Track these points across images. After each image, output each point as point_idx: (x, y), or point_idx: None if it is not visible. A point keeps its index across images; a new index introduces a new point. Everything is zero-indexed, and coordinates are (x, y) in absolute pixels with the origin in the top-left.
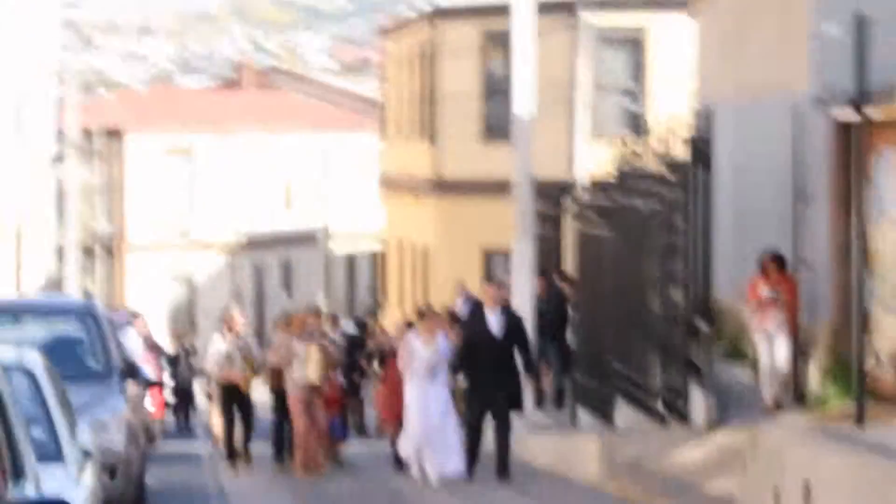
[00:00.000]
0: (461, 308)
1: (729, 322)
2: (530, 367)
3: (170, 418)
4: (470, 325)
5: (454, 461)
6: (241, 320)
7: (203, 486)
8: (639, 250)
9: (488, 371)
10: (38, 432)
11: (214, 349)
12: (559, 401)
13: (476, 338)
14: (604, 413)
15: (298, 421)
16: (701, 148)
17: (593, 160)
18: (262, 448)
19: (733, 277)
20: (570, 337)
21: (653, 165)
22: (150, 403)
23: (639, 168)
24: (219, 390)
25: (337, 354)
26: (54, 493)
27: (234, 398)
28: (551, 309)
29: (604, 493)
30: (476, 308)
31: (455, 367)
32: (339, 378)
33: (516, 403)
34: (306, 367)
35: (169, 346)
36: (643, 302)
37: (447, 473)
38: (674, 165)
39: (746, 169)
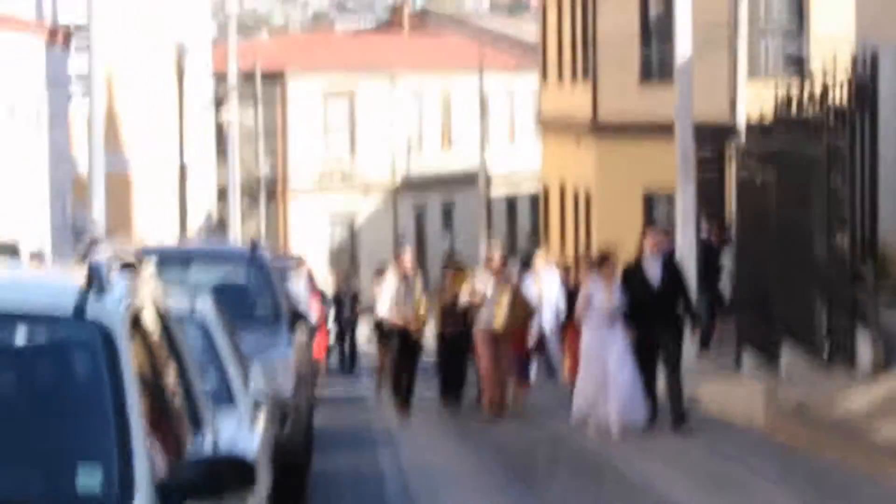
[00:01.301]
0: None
1: (894, 266)
2: (691, 315)
3: (334, 361)
4: (630, 276)
5: (634, 410)
6: (411, 262)
7: (369, 429)
8: (803, 195)
9: (651, 322)
10: (211, 380)
11: (386, 291)
12: (705, 346)
13: (636, 290)
14: (769, 358)
15: (483, 362)
16: (864, 91)
17: (754, 103)
18: (425, 390)
19: None
20: (722, 285)
21: (815, 109)
22: (314, 347)
23: (801, 112)
24: (390, 334)
25: (529, 304)
26: (228, 443)
27: (405, 342)
28: (699, 258)
29: (771, 439)
30: (636, 259)
31: (626, 322)
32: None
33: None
34: (495, 313)
35: (331, 289)
36: (808, 246)
37: (626, 422)
38: (837, 110)
39: None
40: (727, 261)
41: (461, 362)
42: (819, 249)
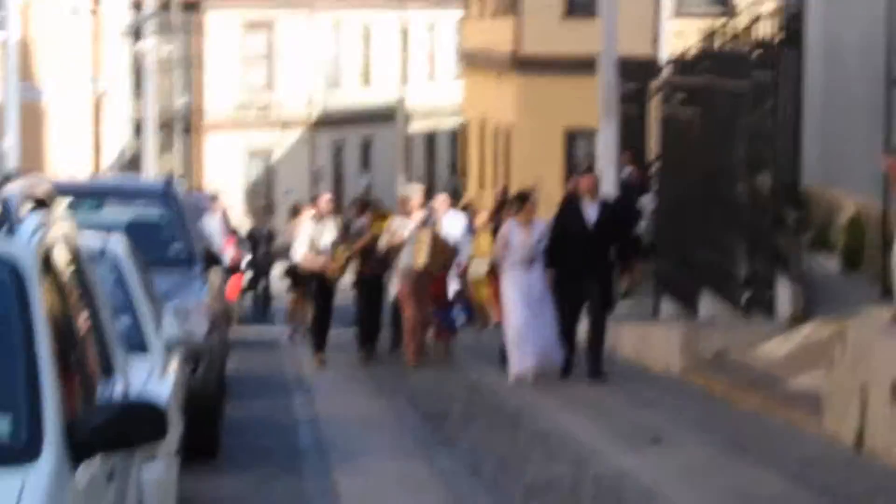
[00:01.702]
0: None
1: (817, 209)
2: (624, 259)
3: (248, 304)
4: (564, 217)
5: (551, 353)
6: (330, 205)
7: (283, 375)
8: (725, 133)
9: (582, 266)
10: (123, 323)
11: (302, 235)
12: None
13: (570, 231)
14: (687, 304)
15: (407, 309)
16: (791, 27)
17: (680, 40)
18: (338, 335)
19: (822, 163)
20: (641, 228)
21: (740, 45)
22: (228, 290)
23: (726, 47)
24: (307, 280)
25: (449, 245)
26: (140, 389)
27: (322, 287)
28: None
29: (689, 387)
30: (571, 199)
31: (548, 262)
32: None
33: (609, 301)
34: (415, 253)
35: (246, 229)
36: (729, 187)
37: (543, 365)
38: (763, 45)
39: (838, 50)
40: (647, 202)
41: (378, 308)
42: (741, 192)
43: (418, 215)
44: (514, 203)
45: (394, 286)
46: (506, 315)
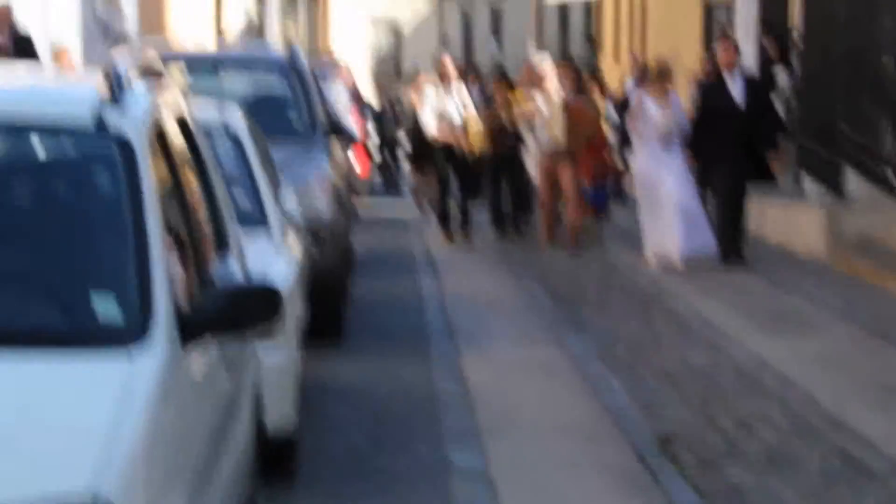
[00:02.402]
0: (630, 89)
1: None
2: (771, 140)
3: (377, 179)
4: (709, 93)
5: (700, 236)
6: (451, 69)
7: (411, 251)
8: (873, 5)
9: (731, 148)
10: (241, 196)
11: (427, 104)
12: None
13: (718, 111)
14: (831, 184)
15: (541, 190)
16: None
17: None
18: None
19: None
20: (778, 105)
21: None
22: (355, 161)
23: None
24: (435, 153)
25: (595, 115)
26: (258, 268)
27: (450, 160)
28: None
29: (833, 270)
30: (715, 74)
31: (690, 143)
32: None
33: (766, 174)
34: (550, 129)
35: (374, 98)
36: (876, 62)
37: (691, 253)
38: None
39: None
40: (782, 79)
41: (513, 185)
42: (889, 65)
43: (551, 86)
44: (655, 76)
45: (530, 164)
46: (643, 194)
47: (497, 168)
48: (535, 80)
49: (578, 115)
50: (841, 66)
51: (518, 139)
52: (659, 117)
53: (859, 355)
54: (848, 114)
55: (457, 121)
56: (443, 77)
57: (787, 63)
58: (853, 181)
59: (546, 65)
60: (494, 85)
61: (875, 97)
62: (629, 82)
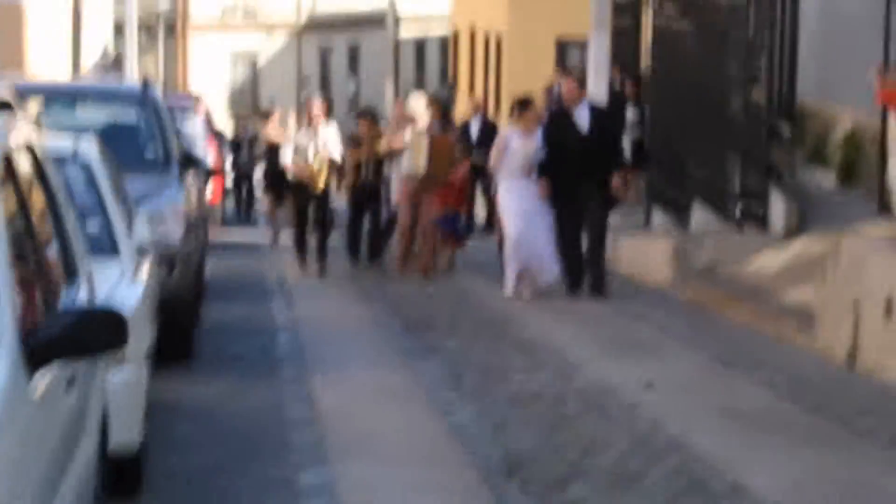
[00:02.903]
0: (474, 128)
1: (813, 124)
2: (618, 167)
3: (230, 208)
4: (555, 124)
5: (549, 266)
6: (319, 111)
7: (263, 278)
8: (720, 46)
9: (579, 177)
10: (94, 225)
11: (290, 141)
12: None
13: (564, 141)
14: (679, 216)
15: (401, 215)
16: None
17: None
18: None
19: (818, 77)
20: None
21: None
22: (209, 191)
23: None
24: (292, 186)
25: (457, 145)
26: (107, 295)
27: (307, 196)
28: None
29: (680, 299)
30: (559, 106)
31: (540, 172)
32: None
33: (611, 205)
34: (415, 158)
35: (230, 131)
36: (723, 100)
37: (542, 280)
38: None
39: None
40: (630, 114)
41: (371, 215)
42: (735, 104)
43: (421, 121)
44: (515, 109)
45: (393, 193)
46: (503, 226)
47: (357, 200)
48: (407, 118)
49: (442, 146)
50: (688, 105)
51: (379, 173)
52: (520, 149)
53: (705, 381)
54: (695, 150)
55: (310, 158)
56: (309, 118)
57: (639, 102)
58: (699, 214)
59: (419, 104)
60: (360, 121)
61: (722, 134)
62: (475, 119)
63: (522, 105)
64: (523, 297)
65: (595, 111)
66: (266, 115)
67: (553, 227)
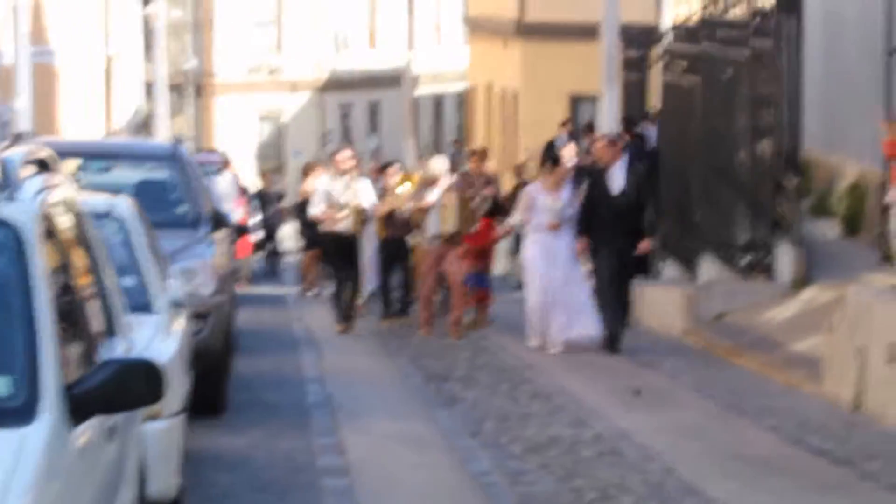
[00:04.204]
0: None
1: (818, 175)
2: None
3: (258, 263)
4: (590, 183)
5: (583, 323)
6: (350, 162)
7: (291, 331)
8: (727, 101)
9: (612, 235)
10: (129, 282)
11: (318, 192)
12: None
13: (598, 202)
14: (688, 267)
15: (424, 280)
16: None
17: (681, 4)
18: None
19: (822, 130)
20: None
21: (741, 12)
22: (238, 247)
23: (727, 14)
24: (324, 240)
25: (481, 206)
26: (143, 349)
27: (340, 249)
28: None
29: (687, 347)
30: (594, 168)
31: (579, 230)
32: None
33: (642, 269)
34: (442, 219)
35: (256, 187)
36: (731, 154)
37: (574, 337)
38: (762, 13)
39: (837, 18)
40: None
41: (404, 271)
42: (742, 158)
43: (444, 182)
44: (544, 165)
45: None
46: (533, 283)
47: (389, 252)
48: (431, 181)
49: (466, 203)
50: (698, 154)
51: (408, 227)
52: (548, 205)
53: (715, 427)
54: (703, 201)
55: (340, 206)
56: (341, 169)
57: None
58: (707, 264)
59: (440, 166)
60: (383, 173)
61: (729, 186)
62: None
63: (553, 162)
64: (548, 350)
65: (630, 170)
66: (308, 171)
67: (588, 281)
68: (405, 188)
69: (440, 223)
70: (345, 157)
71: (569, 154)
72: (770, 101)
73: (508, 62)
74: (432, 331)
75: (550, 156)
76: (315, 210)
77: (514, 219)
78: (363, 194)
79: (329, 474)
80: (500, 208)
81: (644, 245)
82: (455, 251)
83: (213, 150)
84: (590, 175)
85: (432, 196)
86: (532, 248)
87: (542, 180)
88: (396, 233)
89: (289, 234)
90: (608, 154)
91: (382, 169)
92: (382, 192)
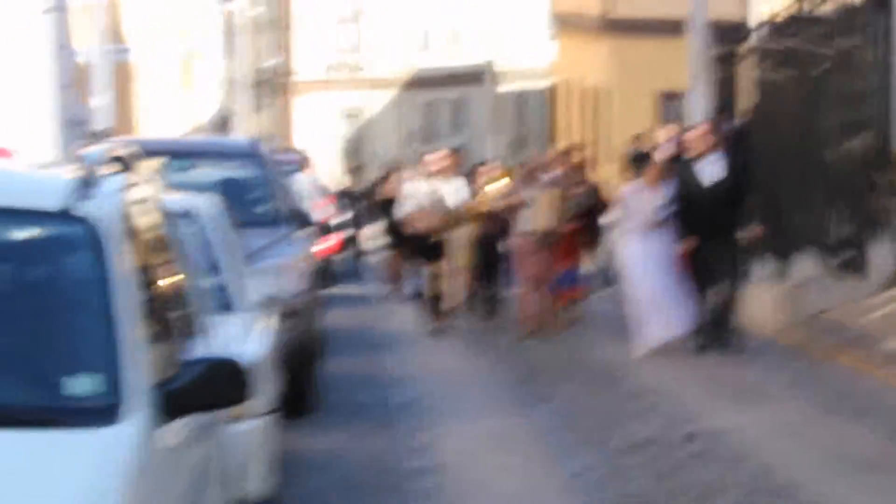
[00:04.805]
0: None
1: None
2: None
3: (341, 262)
4: (680, 178)
5: (682, 321)
6: (443, 162)
7: (377, 331)
8: (816, 97)
9: (705, 231)
10: (212, 281)
11: (406, 194)
12: None
13: (688, 194)
14: (782, 264)
15: (520, 280)
16: None
17: (769, 1)
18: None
19: None
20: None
21: (830, 8)
22: (320, 247)
23: (816, 11)
24: (413, 240)
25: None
26: (225, 347)
27: (426, 250)
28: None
29: (784, 345)
30: (684, 159)
31: (681, 231)
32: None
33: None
34: (538, 215)
35: (341, 185)
36: (821, 151)
37: (672, 336)
38: (851, 8)
39: None
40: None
41: (493, 269)
42: (833, 154)
43: (544, 177)
44: (636, 163)
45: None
46: (633, 284)
47: (479, 252)
48: (533, 175)
49: (562, 200)
50: (788, 151)
51: (501, 225)
52: (646, 205)
53: (813, 426)
54: (797, 199)
55: (436, 207)
56: (433, 169)
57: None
58: (801, 262)
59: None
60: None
61: (821, 184)
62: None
63: (644, 159)
64: (646, 348)
65: (733, 160)
66: (390, 173)
67: (682, 280)
68: (497, 186)
69: (535, 220)
70: (436, 157)
71: (665, 136)
72: (860, 96)
73: (596, 59)
74: (527, 329)
75: (640, 158)
76: (404, 211)
77: (611, 216)
78: (453, 194)
79: (419, 475)
80: (599, 205)
81: (756, 231)
82: (547, 250)
83: (293, 149)
84: (679, 165)
85: (528, 192)
86: (630, 248)
87: (638, 178)
88: (489, 231)
89: (371, 234)
90: (703, 143)
91: (476, 168)
92: (475, 191)
